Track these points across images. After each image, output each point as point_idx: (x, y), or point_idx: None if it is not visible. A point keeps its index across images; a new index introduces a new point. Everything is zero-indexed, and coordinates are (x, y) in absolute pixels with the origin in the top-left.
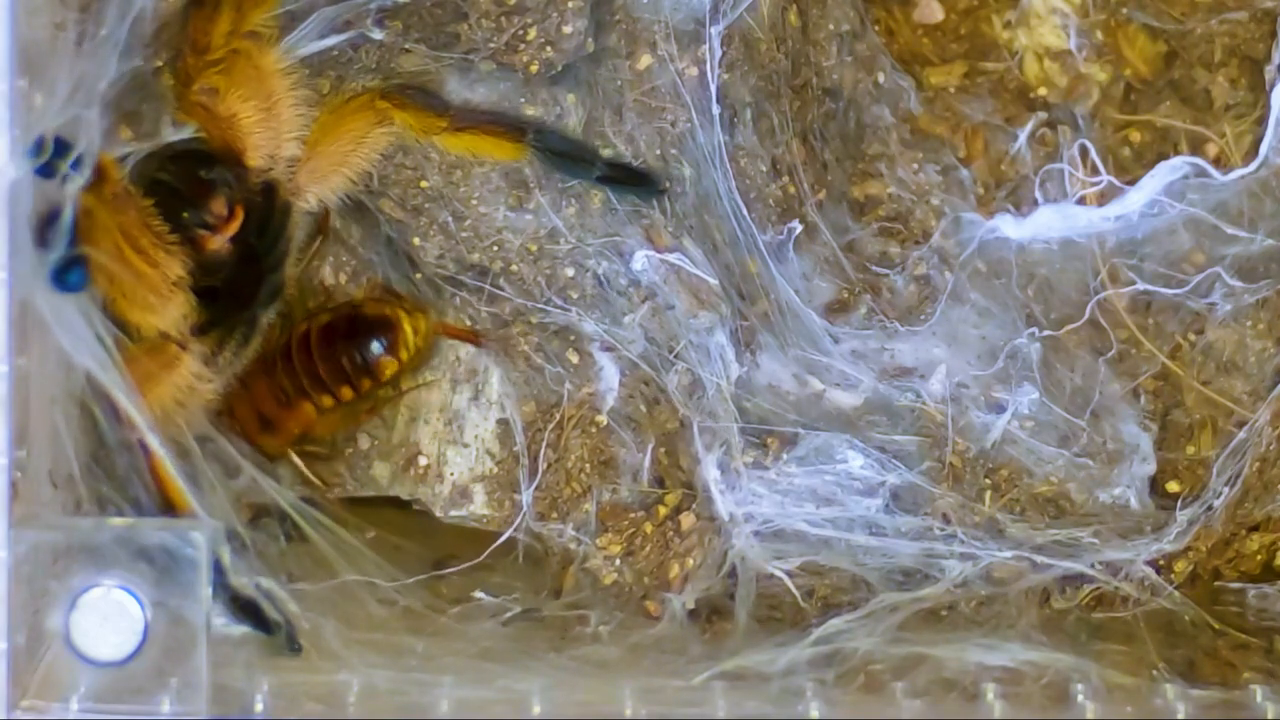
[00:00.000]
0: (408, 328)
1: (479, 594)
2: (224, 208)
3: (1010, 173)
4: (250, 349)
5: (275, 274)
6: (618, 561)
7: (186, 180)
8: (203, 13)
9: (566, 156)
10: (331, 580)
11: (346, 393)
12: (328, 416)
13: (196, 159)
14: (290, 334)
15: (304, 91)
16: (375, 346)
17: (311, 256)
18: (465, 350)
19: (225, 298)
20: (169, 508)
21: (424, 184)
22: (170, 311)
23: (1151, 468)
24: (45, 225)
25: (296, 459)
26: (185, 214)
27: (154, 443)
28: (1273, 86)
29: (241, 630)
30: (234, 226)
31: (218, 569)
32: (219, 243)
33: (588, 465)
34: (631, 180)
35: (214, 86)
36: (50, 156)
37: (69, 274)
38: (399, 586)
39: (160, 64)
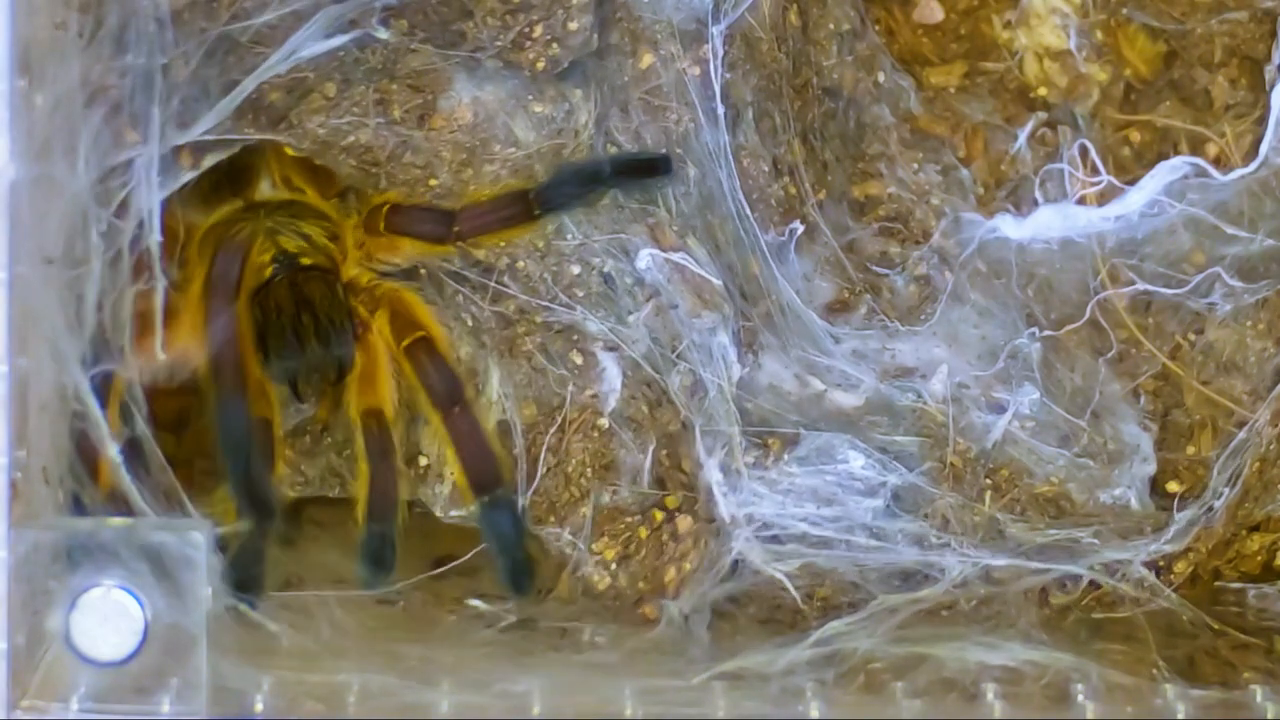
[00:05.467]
0: None
1: (474, 601)
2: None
3: (1010, 173)
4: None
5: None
6: (613, 566)
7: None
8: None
9: (575, 195)
10: (331, 580)
11: None
12: None
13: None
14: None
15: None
16: None
17: None
18: (465, 350)
19: None
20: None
21: (433, 182)
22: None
23: (1151, 468)
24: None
25: None
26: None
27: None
28: (1273, 86)
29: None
30: None
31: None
32: None
33: (588, 470)
34: (641, 171)
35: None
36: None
37: None
38: (398, 587)
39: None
